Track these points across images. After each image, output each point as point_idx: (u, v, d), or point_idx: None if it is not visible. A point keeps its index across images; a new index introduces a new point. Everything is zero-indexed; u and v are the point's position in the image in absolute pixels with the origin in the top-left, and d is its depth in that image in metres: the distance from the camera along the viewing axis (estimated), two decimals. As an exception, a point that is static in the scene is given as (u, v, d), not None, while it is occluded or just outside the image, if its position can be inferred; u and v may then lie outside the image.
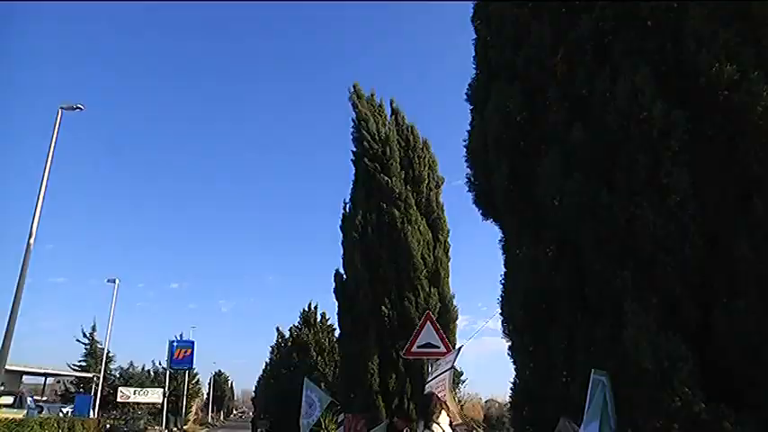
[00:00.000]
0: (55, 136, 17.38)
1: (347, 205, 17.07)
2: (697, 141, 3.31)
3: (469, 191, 5.17)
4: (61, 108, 17.41)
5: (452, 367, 7.69)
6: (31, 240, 16.54)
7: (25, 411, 26.51)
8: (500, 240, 4.85)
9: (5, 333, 15.80)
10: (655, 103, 3.40)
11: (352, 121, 16.88)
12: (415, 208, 15.34)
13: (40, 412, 28.18)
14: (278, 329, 46.74)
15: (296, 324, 36.47)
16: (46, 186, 17.24)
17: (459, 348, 8.10)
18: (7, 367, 17.02)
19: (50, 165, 17.11)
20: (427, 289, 14.32)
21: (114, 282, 35.99)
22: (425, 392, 8.16)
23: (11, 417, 21.48)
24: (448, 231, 15.61)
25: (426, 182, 16.02)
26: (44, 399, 40.48)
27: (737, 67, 3.18)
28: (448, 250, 15.43)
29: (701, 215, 3.23)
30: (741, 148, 3.14)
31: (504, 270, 4.73)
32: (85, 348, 46.48)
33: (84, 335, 46.64)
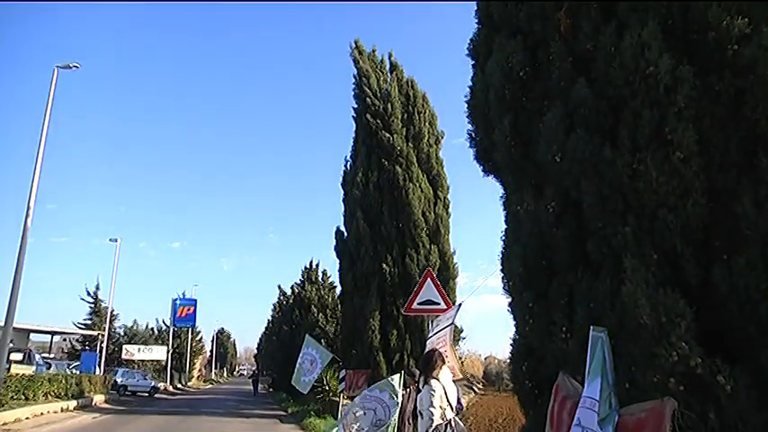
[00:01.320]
0: (51, 95, 17.26)
1: (348, 162, 17.03)
2: (703, 97, 3.27)
3: (470, 147, 5.14)
4: (57, 67, 17.21)
5: (453, 323, 7.79)
6: (32, 202, 16.64)
7: (34, 368, 27.11)
8: (501, 197, 4.86)
9: (11, 292, 16.09)
10: (661, 58, 3.34)
11: (354, 77, 16.69)
12: (416, 165, 15.32)
13: (48, 369, 28.83)
14: (279, 287, 47.28)
15: (297, 282, 36.83)
16: (44, 146, 17.25)
17: (460, 305, 8.19)
18: (15, 325, 17.40)
19: (48, 124, 17.07)
20: (428, 246, 14.43)
21: (116, 241, 36.21)
22: (426, 348, 8.30)
23: (22, 373, 21.98)
24: (448, 188, 15.63)
25: (426, 138, 15.95)
26: (51, 356, 41.24)
27: (748, 21, 3.11)
28: (448, 207, 15.49)
29: (704, 172, 3.21)
30: (748, 104, 3.10)
31: (505, 226, 4.74)
32: (90, 307, 47.05)
33: (89, 293, 47.13)
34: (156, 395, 35.86)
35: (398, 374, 9.74)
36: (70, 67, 17.41)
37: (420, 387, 6.42)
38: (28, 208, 16.48)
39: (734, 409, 2.87)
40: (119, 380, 33.57)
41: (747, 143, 3.10)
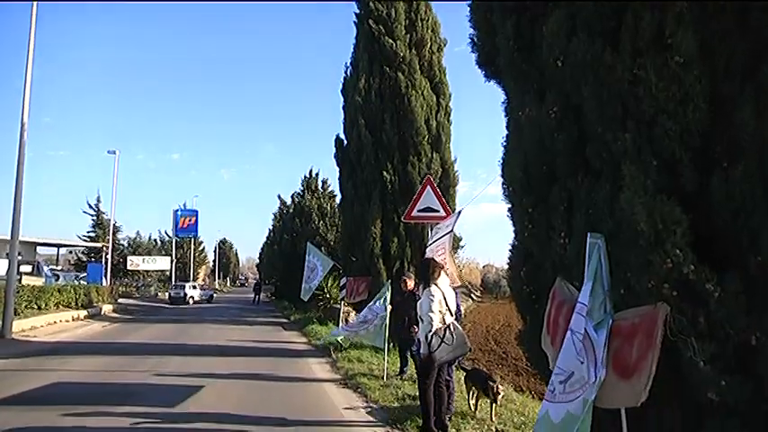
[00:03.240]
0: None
1: (348, 69, 16.62)
2: (708, 5, 3.14)
3: (472, 52, 5.01)
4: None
5: (452, 231, 7.88)
6: (26, 117, 16.53)
7: (43, 279, 27.81)
8: (503, 102, 4.78)
9: (14, 206, 16.30)
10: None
11: (356, -20, 15.99)
12: (419, 72, 14.98)
13: (56, 280, 29.58)
14: (279, 197, 47.70)
15: (297, 191, 37.00)
16: (33, 58, 16.91)
17: (459, 212, 8.26)
18: (21, 239, 17.74)
19: (35, 27, 16.69)
20: (429, 154, 14.37)
21: (114, 153, 36.09)
22: (425, 256, 8.45)
23: (32, 284, 22.58)
24: (450, 95, 15.35)
25: (429, 45, 15.49)
26: (59, 268, 42.17)
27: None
28: (449, 114, 15.29)
29: (707, 78, 3.14)
30: (754, 9, 2.98)
31: (506, 132, 4.70)
32: (92, 220, 47.67)
33: (90, 206, 47.51)
34: (157, 304, 37.38)
35: (389, 282, 10.05)
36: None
37: (419, 294, 6.59)
38: (22, 123, 16.42)
39: (722, 313, 2.96)
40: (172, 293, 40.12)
41: (751, 51, 3.01)
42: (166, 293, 41.97)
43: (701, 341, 2.98)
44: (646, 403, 3.07)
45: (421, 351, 6.02)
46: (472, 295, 55.37)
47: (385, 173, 14.31)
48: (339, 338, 11.91)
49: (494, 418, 6.58)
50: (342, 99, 16.54)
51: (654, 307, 3.10)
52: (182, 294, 38.95)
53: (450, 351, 5.96)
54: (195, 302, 39.03)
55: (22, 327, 17.47)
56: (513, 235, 4.67)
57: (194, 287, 42.53)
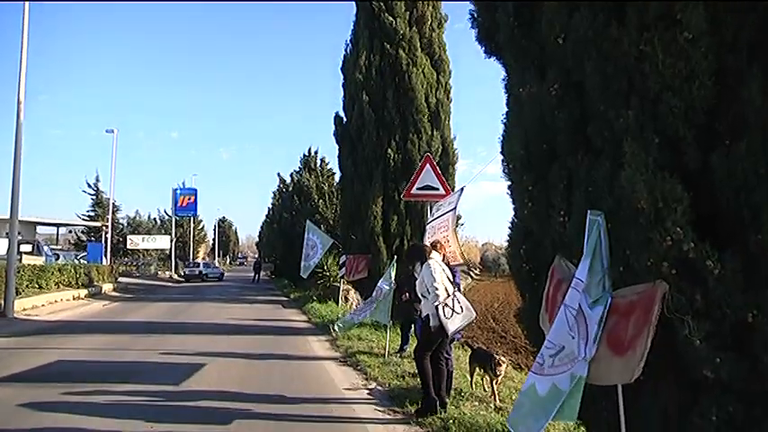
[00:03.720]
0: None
1: (348, 47, 16.47)
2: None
3: (472, 27, 4.94)
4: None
5: (455, 208, 7.87)
6: (21, 95, 16.44)
7: (44, 258, 27.85)
8: (503, 79, 4.73)
9: (12, 185, 16.25)
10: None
11: (356, -44, 15.77)
12: (419, 49, 14.85)
13: (56, 259, 29.63)
14: (279, 175, 47.61)
15: (296, 169, 36.91)
16: (28, 37, 16.77)
17: (462, 189, 8.23)
18: (21, 218, 17.75)
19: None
20: (430, 132, 14.30)
21: (113, 132, 35.87)
22: (425, 234, 8.47)
23: (33, 263, 22.63)
24: (450, 73, 15.25)
25: (429, 22, 15.33)
26: (59, 248, 42.24)
27: None
28: (449, 92, 15.21)
29: (712, 54, 3.09)
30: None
31: (506, 109, 4.66)
32: (92, 199, 47.65)
33: (89, 185, 47.44)
34: (157, 283, 37.82)
35: (394, 259, 10.04)
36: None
37: (414, 274, 6.66)
38: (18, 102, 16.31)
39: (720, 291, 2.96)
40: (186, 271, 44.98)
41: (759, 27, 2.96)
42: (183, 271, 46.83)
43: (698, 319, 2.99)
44: (641, 379, 3.10)
45: (431, 324, 6.03)
46: (471, 273, 55.63)
47: (389, 150, 14.25)
48: (349, 330, 10.85)
49: (496, 396, 6.59)
50: (342, 77, 16.41)
51: (652, 285, 3.11)
52: (196, 272, 43.84)
53: (461, 319, 6.05)
54: (208, 279, 43.42)
55: (23, 306, 17.56)
56: (512, 213, 4.66)
57: (207, 265, 47.87)
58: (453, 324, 5.97)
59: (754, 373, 2.93)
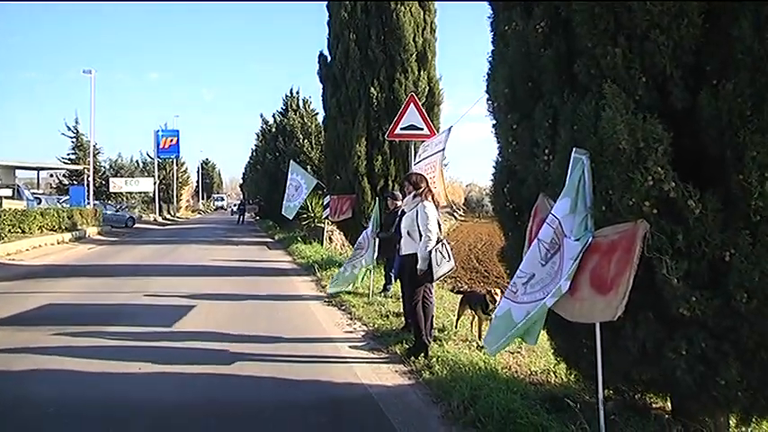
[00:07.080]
0: None
1: (333, -17, 15.86)
2: None
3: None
4: None
5: (444, 149, 7.81)
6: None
7: (25, 203, 27.50)
8: (489, 17, 4.61)
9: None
10: None
11: None
12: (408, -13, 14.36)
13: (38, 204, 29.28)
14: (262, 116, 46.86)
15: (279, 110, 36.30)
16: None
17: (449, 129, 8.14)
18: (0, 162, 17.36)
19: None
20: (417, 72, 14.04)
21: (90, 72, 34.72)
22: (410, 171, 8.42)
23: (14, 208, 22.35)
24: (435, 11, 14.85)
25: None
26: (40, 192, 41.65)
27: None
28: (435, 30, 14.83)
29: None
30: None
31: (492, 48, 4.56)
32: (72, 142, 46.70)
33: (68, 128, 46.39)
34: (142, 226, 37.49)
35: (376, 201, 9.97)
36: None
37: (405, 208, 6.57)
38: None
39: (700, 230, 3.02)
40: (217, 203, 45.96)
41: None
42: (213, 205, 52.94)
43: (677, 259, 3.05)
44: (621, 316, 3.18)
45: (419, 267, 6.04)
46: (455, 214, 55.94)
47: (373, 89, 14.01)
48: (348, 287, 9.80)
49: (481, 336, 6.45)
50: (327, 14, 15.93)
51: (634, 224, 3.14)
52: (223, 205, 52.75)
53: (448, 266, 6.13)
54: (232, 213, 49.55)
55: (7, 251, 17.47)
56: (497, 152, 4.64)
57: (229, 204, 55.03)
58: (441, 270, 6.02)
59: (726, 309, 3.03)
